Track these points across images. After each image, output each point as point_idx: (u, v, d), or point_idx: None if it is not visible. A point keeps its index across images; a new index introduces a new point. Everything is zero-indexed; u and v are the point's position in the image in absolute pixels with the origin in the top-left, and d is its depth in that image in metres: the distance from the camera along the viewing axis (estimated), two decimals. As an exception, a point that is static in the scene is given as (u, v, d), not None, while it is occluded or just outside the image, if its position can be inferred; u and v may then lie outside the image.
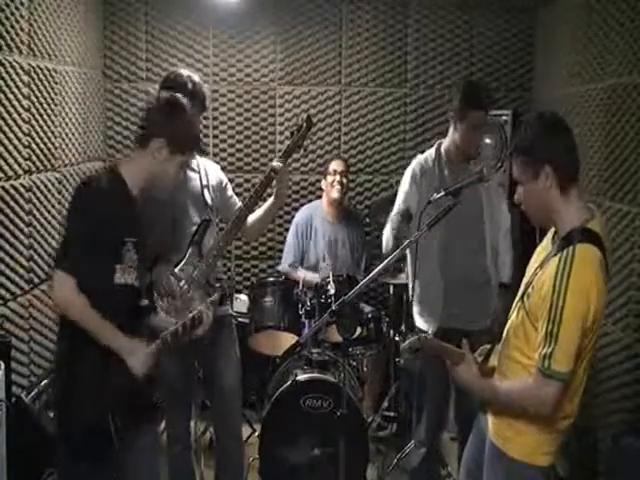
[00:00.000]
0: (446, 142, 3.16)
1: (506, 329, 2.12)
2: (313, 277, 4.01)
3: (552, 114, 2.09)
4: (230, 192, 3.18)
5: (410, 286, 3.18)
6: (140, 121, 2.41)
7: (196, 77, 2.96)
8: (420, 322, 3.13)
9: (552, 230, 2.08)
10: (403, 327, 4.07)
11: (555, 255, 1.92)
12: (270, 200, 3.03)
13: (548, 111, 2.15)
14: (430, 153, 3.18)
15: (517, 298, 2.09)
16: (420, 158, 3.19)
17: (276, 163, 2.91)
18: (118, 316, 2.23)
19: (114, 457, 2.23)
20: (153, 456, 2.48)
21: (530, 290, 1.99)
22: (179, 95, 2.45)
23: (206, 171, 3.07)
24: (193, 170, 3.04)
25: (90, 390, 2.20)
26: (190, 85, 2.90)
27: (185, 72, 2.97)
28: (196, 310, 2.33)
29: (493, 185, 3.20)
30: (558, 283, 1.86)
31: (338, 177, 4.22)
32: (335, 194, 4.23)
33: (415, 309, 3.16)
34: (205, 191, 3.02)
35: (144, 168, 2.31)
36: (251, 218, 3.00)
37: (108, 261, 2.23)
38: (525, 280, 2.09)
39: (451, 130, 3.13)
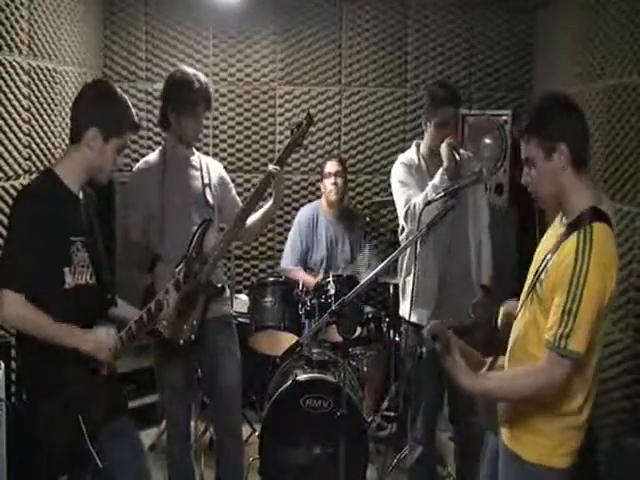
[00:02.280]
0: (422, 145, 3.21)
1: (515, 326, 2.07)
2: (312, 281, 4.02)
3: (564, 94, 2.03)
4: (232, 192, 3.18)
5: (401, 281, 3.20)
6: (70, 116, 2.32)
7: (202, 76, 2.96)
8: (413, 316, 3.13)
9: (557, 219, 2.05)
10: (403, 327, 4.06)
11: (569, 235, 1.88)
12: (268, 204, 3.02)
13: (559, 92, 2.10)
14: (411, 152, 3.21)
15: (526, 289, 2.04)
16: (404, 157, 3.22)
17: (272, 167, 2.90)
18: (75, 319, 2.20)
19: (91, 459, 2.20)
20: (132, 450, 2.45)
21: (543, 276, 1.94)
22: (102, 79, 2.41)
23: (208, 169, 3.07)
24: (195, 168, 3.04)
25: (57, 399, 2.17)
26: (197, 84, 2.90)
27: (191, 71, 2.97)
28: (158, 295, 2.35)
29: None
30: (580, 260, 1.82)
31: (333, 179, 4.22)
32: (332, 196, 4.23)
33: (406, 304, 3.14)
34: (207, 190, 3.02)
35: (81, 162, 2.24)
36: (249, 221, 2.99)
37: (56, 266, 2.18)
38: (533, 269, 2.03)
39: (425, 133, 3.18)
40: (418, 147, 3.22)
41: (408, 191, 3.07)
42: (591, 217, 1.88)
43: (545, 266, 1.94)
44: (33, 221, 2.13)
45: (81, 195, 2.30)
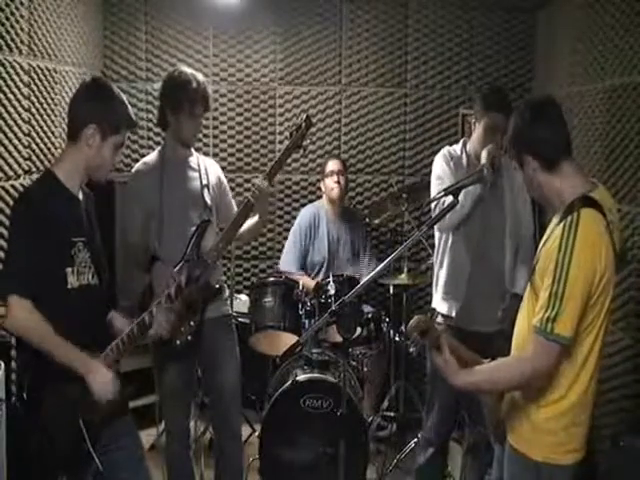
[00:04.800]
0: (469, 144, 3.19)
1: (518, 319, 2.09)
2: (312, 284, 4.02)
3: (536, 100, 2.13)
4: (229, 195, 3.18)
5: (435, 274, 3.21)
6: (67, 115, 2.30)
7: (200, 76, 2.95)
8: (443, 306, 3.14)
9: (555, 215, 2.07)
10: (403, 327, 4.07)
11: (559, 224, 1.91)
12: (254, 218, 2.99)
13: (533, 98, 2.15)
14: (456, 147, 3.20)
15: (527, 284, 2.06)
16: (447, 149, 3.20)
17: (256, 184, 2.81)
18: (81, 320, 2.20)
19: (92, 462, 2.20)
20: (133, 451, 2.44)
21: (536, 268, 1.96)
22: (98, 76, 2.41)
23: (206, 170, 3.07)
24: (193, 169, 3.04)
25: (56, 398, 2.16)
26: (194, 84, 2.90)
27: (189, 70, 2.96)
28: (144, 314, 2.33)
29: (521, 191, 3.17)
30: (564, 243, 1.84)
31: (335, 177, 4.24)
32: (335, 194, 4.25)
33: (438, 296, 3.18)
34: (205, 191, 3.02)
35: (79, 161, 2.23)
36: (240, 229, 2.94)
37: (58, 267, 2.18)
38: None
39: (473, 133, 3.15)
40: (465, 144, 3.19)
41: (441, 186, 3.05)
42: (578, 205, 1.90)
43: (537, 259, 1.98)
44: (33, 224, 2.13)
45: (80, 195, 2.30)
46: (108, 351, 2.28)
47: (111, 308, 2.44)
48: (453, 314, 3.09)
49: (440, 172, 3.11)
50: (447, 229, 3.07)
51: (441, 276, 3.17)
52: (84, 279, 2.25)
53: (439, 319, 3.15)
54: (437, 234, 3.20)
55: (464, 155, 3.15)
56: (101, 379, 2.20)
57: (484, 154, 3.01)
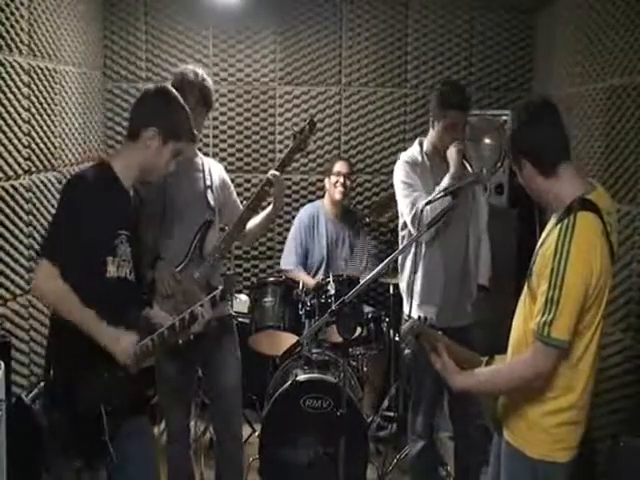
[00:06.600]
0: (426, 143, 3.16)
1: (515, 322, 2.09)
2: (312, 282, 4.02)
3: (533, 102, 2.08)
4: (233, 195, 3.18)
5: (407, 280, 3.15)
6: (130, 113, 2.38)
7: (199, 70, 2.94)
8: (419, 313, 3.10)
9: (553, 215, 2.07)
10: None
11: (555, 227, 1.91)
12: (268, 209, 3.02)
13: (532, 99, 2.14)
14: (414, 150, 3.17)
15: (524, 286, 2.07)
16: (407, 155, 3.16)
17: (271, 173, 2.89)
18: (112, 310, 2.20)
19: (107, 452, 2.21)
20: (147, 451, 2.45)
21: (533, 270, 1.97)
22: (168, 85, 2.45)
23: (210, 171, 3.07)
24: (197, 170, 3.04)
25: (81, 383, 2.18)
26: (187, 73, 2.89)
27: (191, 66, 2.97)
28: (193, 307, 2.32)
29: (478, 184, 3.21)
30: (560, 247, 1.84)
31: (342, 179, 4.23)
32: (338, 195, 4.25)
33: (414, 302, 3.12)
34: (208, 192, 3.01)
35: (136, 160, 2.28)
36: (248, 225, 2.98)
37: (99, 254, 2.20)
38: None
39: (430, 130, 3.14)
40: (421, 144, 3.16)
41: (414, 193, 3.02)
42: (576, 207, 1.90)
43: (534, 261, 1.98)
44: (83, 204, 2.16)
45: (132, 192, 2.33)
46: (149, 340, 2.27)
47: (144, 307, 2.44)
48: (433, 320, 3.06)
49: (407, 179, 3.07)
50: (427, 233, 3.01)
51: (416, 283, 3.09)
52: (122, 272, 2.27)
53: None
54: (406, 239, 3.14)
55: (425, 158, 3.12)
56: (119, 346, 2.20)
57: (452, 152, 3.00)
